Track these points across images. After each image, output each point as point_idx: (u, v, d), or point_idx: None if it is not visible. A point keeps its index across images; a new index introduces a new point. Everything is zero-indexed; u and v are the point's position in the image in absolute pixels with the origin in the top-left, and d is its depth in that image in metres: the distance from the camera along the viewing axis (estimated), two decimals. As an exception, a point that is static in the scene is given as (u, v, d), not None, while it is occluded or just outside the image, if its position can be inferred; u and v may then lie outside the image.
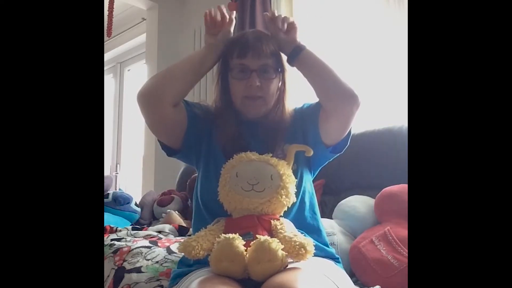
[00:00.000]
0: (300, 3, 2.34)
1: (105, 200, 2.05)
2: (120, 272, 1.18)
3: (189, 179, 2.12)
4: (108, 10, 2.57)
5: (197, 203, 1.05)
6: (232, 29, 1.10)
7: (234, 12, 1.11)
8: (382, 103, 1.97)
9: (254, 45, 1.00)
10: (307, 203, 1.03)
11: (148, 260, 1.21)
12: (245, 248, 0.80)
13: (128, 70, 3.87)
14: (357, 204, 1.43)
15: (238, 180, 0.91)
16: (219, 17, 1.06)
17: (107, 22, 2.56)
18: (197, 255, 0.83)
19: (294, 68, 1.04)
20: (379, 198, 1.36)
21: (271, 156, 0.95)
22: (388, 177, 1.44)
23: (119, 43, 3.68)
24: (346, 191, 1.60)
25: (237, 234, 0.82)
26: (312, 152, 0.98)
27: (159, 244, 1.31)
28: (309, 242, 0.80)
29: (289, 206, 0.93)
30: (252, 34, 1.05)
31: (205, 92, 2.67)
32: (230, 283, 0.79)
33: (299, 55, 1.01)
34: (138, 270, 1.17)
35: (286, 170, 0.93)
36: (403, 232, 1.19)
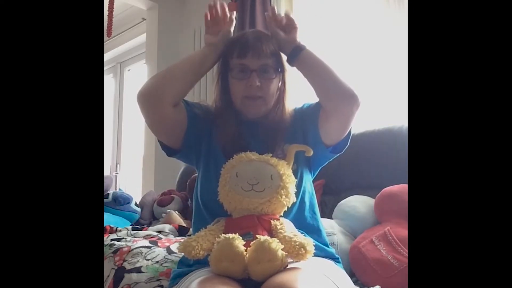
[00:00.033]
0: (300, 2, 2.34)
1: (105, 200, 2.05)
2: (120, 272, 1.18)
3: (189, 179, 2.12)
4: (108, 10, 2.57)
5: (197, 203, 1.05)
6: (232, 29, 1.10)
7: (234, 12, 1.11)
8: (382, 103, 1.97)
9: (254, 45, 1.00)
10: (307, 203, 1.03)
11: (148, 260, 1.21)
12: (245, 248, 0.80)
13: (128, 70, 3.87)
14: (357, 204, 1.43)
15: (238, 180, 0.91)
16: (220, 12, 1.06)
17: (107, 22, 2.56)
18: (197, 255, 0.83)
19: (294, 68, 1.04)
20: (379, 198, 1.36)
21: (271, 156, 0.95)
22: (388, 177, 1.44)
23: (119, 43, 3.68)
24: (346, 191, 1.60)
25: (237, 234, 0.82)
26: (312, 152, 0.98)
27: (159, 244, 1.31)
28: (309, 242, 0.80)
29: (289, 206, 0.93)
30: (252, 34, 1.05)
31: (205, 92, 2.67)
32: (230, 283, 0.79)
33: (299, 55, 1.01)
34: (138, 270, 1.17)
35: (286, 170, 0.93)
36: (403, 232, 1.19)
